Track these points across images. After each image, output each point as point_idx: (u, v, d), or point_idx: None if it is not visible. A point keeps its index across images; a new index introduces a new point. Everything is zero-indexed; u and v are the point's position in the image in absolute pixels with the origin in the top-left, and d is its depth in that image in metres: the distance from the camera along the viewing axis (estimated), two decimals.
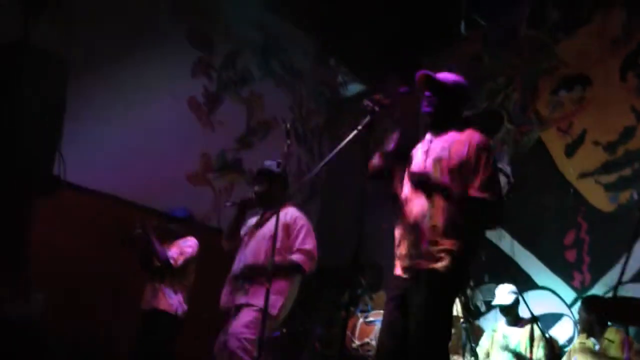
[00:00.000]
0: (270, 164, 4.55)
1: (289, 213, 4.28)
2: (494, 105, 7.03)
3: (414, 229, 3.05)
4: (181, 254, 5.45)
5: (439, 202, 3.02)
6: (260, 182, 4.41)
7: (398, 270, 3.16)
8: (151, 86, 6.92)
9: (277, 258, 3.85)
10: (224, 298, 4.27)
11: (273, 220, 4.15)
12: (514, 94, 6.98)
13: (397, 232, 3.21)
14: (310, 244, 4.20)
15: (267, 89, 8.33)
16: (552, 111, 6.54)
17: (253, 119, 8.15)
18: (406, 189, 3.23)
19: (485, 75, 7.17)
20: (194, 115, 7.57)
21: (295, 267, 4.15)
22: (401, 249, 3.14)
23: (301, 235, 4.21)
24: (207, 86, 7.74)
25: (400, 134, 3.30)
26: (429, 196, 3.06)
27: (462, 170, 3.03)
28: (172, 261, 5.39)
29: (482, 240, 3.25)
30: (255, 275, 4.09)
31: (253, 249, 4.25)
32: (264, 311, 3.71)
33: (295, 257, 4.15)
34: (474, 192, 2.99)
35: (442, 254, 2.94)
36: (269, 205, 4.38)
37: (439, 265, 2.93)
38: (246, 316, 4.00)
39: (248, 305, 4.03)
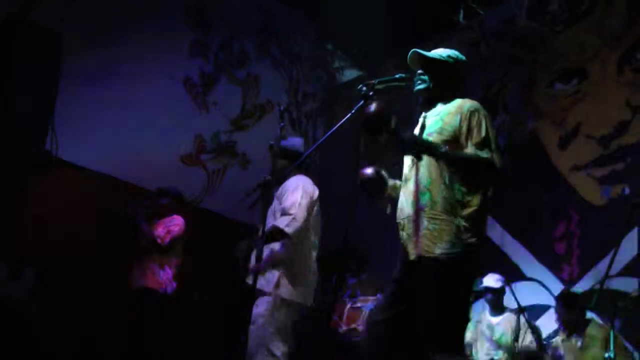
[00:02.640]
0: (278, 140, 4.37)
1: (285, 182, 4.22)
2: (489, 94, 7.02)
3: (413, 208, 3.00)
4: (168, 232, 5.48)
5: (438, 177, 2.96)
6: (272, 160, 4.33)
7: (400, 252, 3.10)
8: (147, 65, 6.89)
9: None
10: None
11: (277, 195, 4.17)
12: (510, 84, 6.97)
13: (397, 212, 3.15)
14: (288, 202, 4.03)
15: (263, 72, 8.29)
16: (548, 103, 6.54)
17: (248, 101, 8.12)
18: (405, 169, 3.18)
19: (482, 65, 7.15)
20: (189, 95, 7.55)
21: (277, 232, 3.99)
22: (400, 231, 3.08)
23: (285, 196, 4.10)
24: (203, 67, 7.71)
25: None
26: (427, 172, 3.00)
27: (457, 140, 2.97)
28: (158, 240, 5.42)
29: (485, 217, 3.13)
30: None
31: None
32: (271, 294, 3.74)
33: (277, 221, 4.02)
34: (469, 151, 2.93)
35: (444, 233, 2.88)
36: (282, 181, 4.29)
37: (443, 246, 2.86)
38: (258, 304, 3.92)
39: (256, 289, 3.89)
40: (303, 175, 4.30)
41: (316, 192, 4.24)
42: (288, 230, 3.95)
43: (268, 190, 4.10)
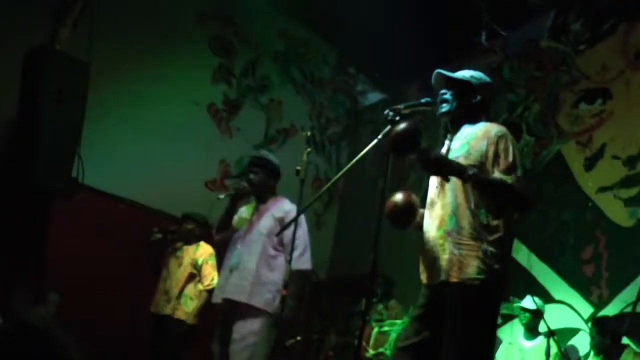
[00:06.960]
0: (266, 153, 4.53)
1: (281, 206, 4.23)
2: (513, 116, 6.99)
3: (439, 232, 2.97)
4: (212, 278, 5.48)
5: (464, 201, 2.93)
6: (256, 171, 4.28)
7: (424, 279, 3.07)
8: (171, 92, 6.98)
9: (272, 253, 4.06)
10: (217, 290, 4.22)
11: (268, 214, 4.17)
12: (534, 105, 6.93)
13: (422, 237, 3.09)
14: (296, 237, 4.00)
15: (286, 97, 8.36)
16: (572, 124, 6.48)
17: (272, 126, 8.19)
18: (431, 192, 3.14)
19: (505, 87, 7.13)
20: (214, 121, 7.63)
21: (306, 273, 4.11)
22: (425, 256, 3.04)
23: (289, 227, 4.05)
24: (227, 92, 7.79)
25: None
26: (453, 196, 2.96)
27: (483, 165, 2.93)
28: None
29: (511, 242, 3.10)
30: (252, 274, 4.04)
31: (249, 243, 4.15)
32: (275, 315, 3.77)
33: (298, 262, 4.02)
34: (496, 175, 2.89)
35: (470, 259, 2.84)
36: (263, 195, 4.31)
37: (469, 272, 2.82)
38: (252, 321, 3.96)
39: (251, 307, 3.97)
40: (285, 198, 4.33)
41: None
42: (308, 267, 4.12)
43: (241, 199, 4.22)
